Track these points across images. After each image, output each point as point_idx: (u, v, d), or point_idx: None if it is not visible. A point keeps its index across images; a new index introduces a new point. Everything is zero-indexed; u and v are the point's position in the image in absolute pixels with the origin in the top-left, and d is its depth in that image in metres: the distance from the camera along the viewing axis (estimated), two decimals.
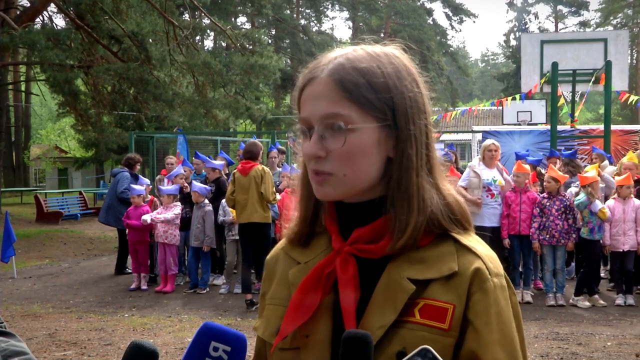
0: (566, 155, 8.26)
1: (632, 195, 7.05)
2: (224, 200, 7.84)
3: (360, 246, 0.97)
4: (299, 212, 1.07)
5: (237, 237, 7.74)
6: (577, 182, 7.63)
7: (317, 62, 1.00)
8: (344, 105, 0.94)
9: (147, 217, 7.84)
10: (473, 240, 0.99)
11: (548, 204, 6.94)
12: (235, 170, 7.14)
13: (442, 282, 0.93)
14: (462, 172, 7.66)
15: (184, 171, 8.60)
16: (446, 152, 8.97)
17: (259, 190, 6.82)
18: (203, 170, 8.88)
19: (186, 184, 8.26)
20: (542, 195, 7.10)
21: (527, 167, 7.40)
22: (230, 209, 7.53)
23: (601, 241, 6.98)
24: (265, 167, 7.02)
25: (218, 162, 8.66)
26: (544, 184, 7.10)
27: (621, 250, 6.96)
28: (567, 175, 7.41)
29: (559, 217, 6.89)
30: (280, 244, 1.13)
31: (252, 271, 8.61)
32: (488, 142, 7.42)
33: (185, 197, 8.19)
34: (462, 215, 1.00)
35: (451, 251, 0.96)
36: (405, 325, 0.91)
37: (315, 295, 0.96)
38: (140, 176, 9.05)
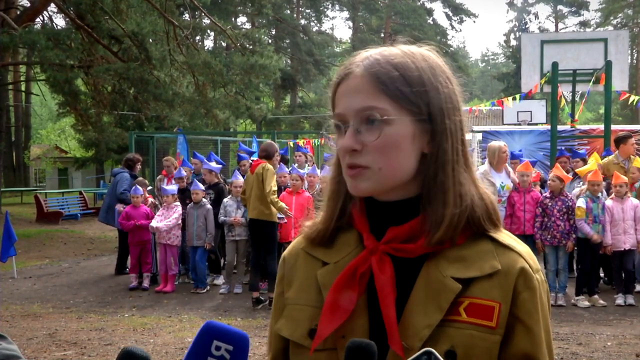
0: (577, 155, 8.28)
1: (629, 195, 7.05)
2: (225, 200, 7.86)
3: (396, 245, 0.97)
4: (326, 210, 1.06)
5: (237, 238, 7.77)
6: (580, 182, 7.64)
7: (352, 60, 1.01)
8: (379, 98, 0.95)
9: (155, 224, 7.86)
10: (508, 238, 0.99)
11: (550, 204, 6.93)
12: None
13: (484, 280, 0.94)
14: None
15: (184, 172, 8.63)
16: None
17: (260, 187, 6.85)
18: (201, 170, 8.89)
19: (185, 184, 8.31)
20: (544, 194, 7.09)
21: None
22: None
23: (591, 241, 6.94)
24: (267, 165, 7.04)
25: (215, 165, 8.66)
26: (549, 182, 7.07)
27: (622, 250, 6.95)
28: (571, 177, 7.41)
29: (561, 217, 6.88)
30: (298, 242, 1.11)
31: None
32: (500, 143, 7.22)
33: (182, 198, 8.21)
34: (495, 214, 1.00)
35: (490, 249, 0.96)
36: (452, 324, 0.91)
37: (352, 295, 0.96)
38: (137, 185, 8.90)
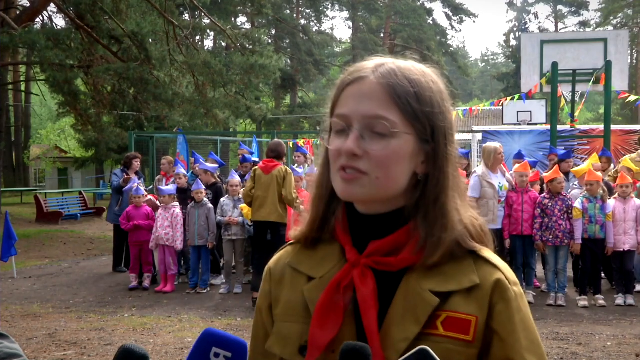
0: (561, 155, 8.25)
1: (632, 195, 7.05)
2: (222, 199, 7.85)
3: (378, 259, 0.97)
4: (310, 214, 1.06)
5: (234, 237, 7.76)
6: (577, 183, 7.65)
7: (364, 64, 1.00)
8: (390, 109, 0.95)
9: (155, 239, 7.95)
10: (488, 252, 1.00)
11: (550, 204, 6.92)
12: (256, 167, 7.12)
13: (463, 294, 0.94)
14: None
15: (182, 170, 8.67)
16: (464, 152, 8.94)
17: (279, 190, 6.79)
18: (197, 171, 8.90)
19: (184, 184, 8.32)
20: (542, 195, 7.08)
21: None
22: (242, 206, 7.49)
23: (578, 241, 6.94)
24: (288, 168, 7.00)
25: (211, 165, 8.66)
26: (556, 183, 6.97)
27: (622, 250, 6.95)
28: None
29: (562, 217, 6.88)
30: (284, 256, 1.11)
31: (252, 270, 8.61)
32: (495, 144, 7.21)
33: (183, 198, 8.21)
34: (479, 235, 1.00)
35: (469, 264, 0.97)
36: (429, 338, 0.92)
37: (338, 310, 0.96)
38: (138, 187, 8.93)
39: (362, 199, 0.98)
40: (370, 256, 0.97)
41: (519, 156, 8.09)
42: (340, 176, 0.97)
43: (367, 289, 0.95)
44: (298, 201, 6.79)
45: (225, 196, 7.95)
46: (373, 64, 0.99)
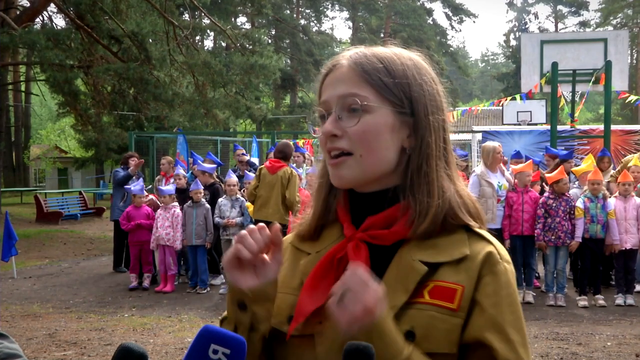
0: (563, 156, 8.25)
1: (632, 194, 7.04)
2: (220, 199, 7.86)
3: (372, 232, 0.99)
4: (313, 205, 1.09)
5: (231, 237, 7.76)
6: (578, 183, 7.64)
7: (340, 54, 1.05)
8: (361, 86, 0.98)
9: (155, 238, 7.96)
10: (484, 230, 1.01)
11: (554, 204, 6.91)
12: (262, 167, 7.13)
13: (452, 265, 0.95)
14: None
15: (181, 171, 8.68)
16: (463, 153, 8.95)
17: (283, 191, 6.80)
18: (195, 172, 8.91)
19: (184, 184, 8.33)
20: (546, 195, 7.06)
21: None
22: (248, 204, 7.50)
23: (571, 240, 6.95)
24: (293, 171, 7.02)
25: (209, 166, 8.66)
26: (561, 184, 6.92)
27: (623, 249, 6.94)
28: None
29: (564, 217, 6.87)
30: (288, 237, 1.13)
31: None
32: (494, 144, 7.23)
33: (182, 198, 8.21)
34: (475, 212, 1.02)
35: (463, 238, 0.98)
36: (414, 306, 0.93)
37: (328, 280, 0.97)
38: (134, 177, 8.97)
39: (352, 180, 0.99)
40: (365, 231, 0.99)
41: (518, 156, 8.09)
42: (329, 163, 1.00)
43: (359, 259, 0.96)
44: (298, 206, 6.81)
45: (223, 196, 7.95)
46: (348, 52, 1.03)
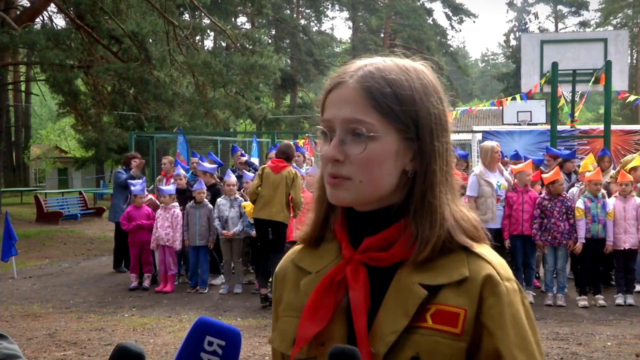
0: (566, 155, 8.24)
1: (632, 194, 7.04)
2: (218, 200, 7.85)
3: (370, 254, 0.98)
4: (314, 214, 1.08)
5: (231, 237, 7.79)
6: (579, 183, 7.64)
7: (346, 68, 1.01)
8: (368, 113, 0.95)
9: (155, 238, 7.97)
10: (482, 248, 1.00)
11: (549, 205, 6.91)
12: (264, 166, 7.11)
13: (453, 287, 0.94)
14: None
15: (182, 171, 8.67)
16: (463, 153, 8.94)
17: (287, 191, 6.81)
18: (197, 172, 8.90)
19: (184, 184, 8.32)
20: (542, 195, 7.07)
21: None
22: (245, 204, 7.49)
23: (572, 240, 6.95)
24: (297, 172, 7.03)
25: (210, 166, 8.66)
26: (557, 184, 6.93)
27: (622, 249, 6.94)
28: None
29: (560, 218, 6.87)
30: (289, 255, 1.14)
31: (252, 270, 8.61)
32: (492, 143, 7.23)
33: (183, 198, 8.21)
34: (473, 230, 1.00)
35: (461, 258, 0.97)
36: (417, 331, 0.92)
37: (328, 303, 0.97)
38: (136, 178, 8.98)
39: (349, 202, 0.99)
40: (364, 252, 0.98)
41: (516, 157, 8.08)
42: (328, 182, 0.99)
43: (359, 285, 0.96)
44: (303, 206, 6.83)
45: (222, 196, 7.95)
46: (354, 68, 1.00)
